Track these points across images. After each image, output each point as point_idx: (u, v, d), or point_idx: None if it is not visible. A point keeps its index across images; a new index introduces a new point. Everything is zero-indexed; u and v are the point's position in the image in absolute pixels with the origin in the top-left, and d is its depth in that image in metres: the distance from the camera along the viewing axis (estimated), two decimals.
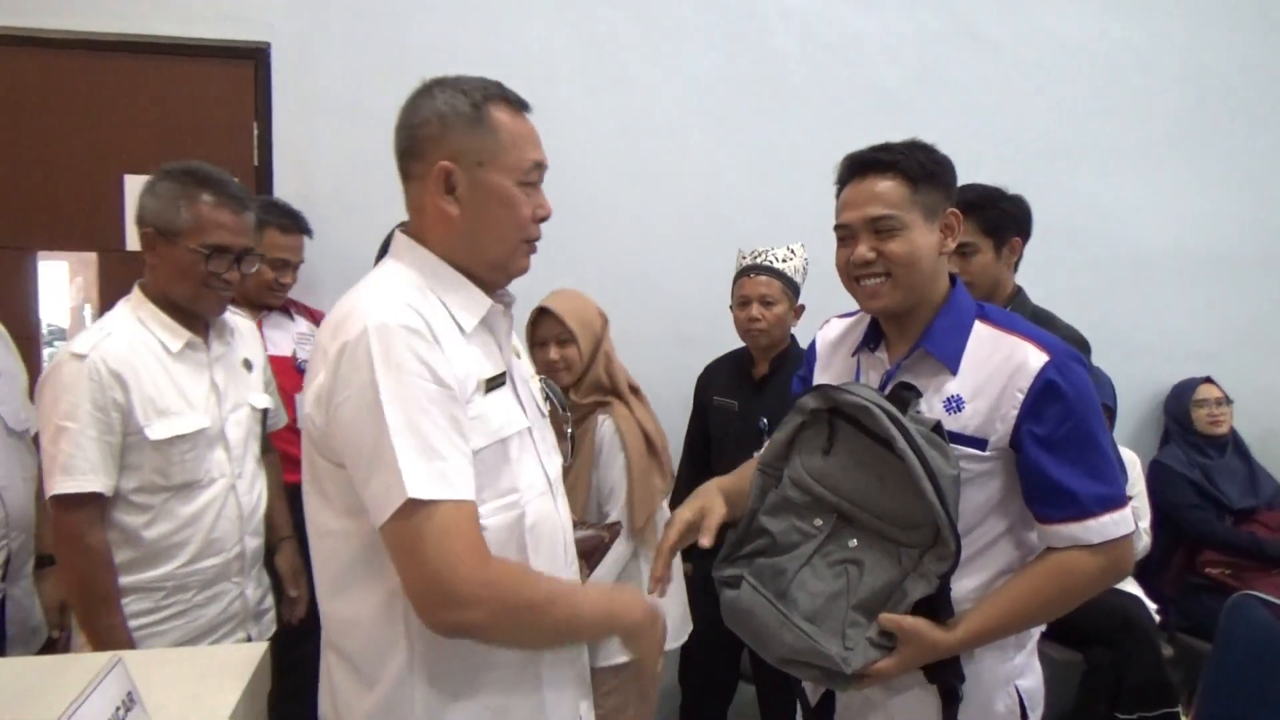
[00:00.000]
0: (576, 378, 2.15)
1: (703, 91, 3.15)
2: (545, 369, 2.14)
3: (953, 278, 1.53)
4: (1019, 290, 2.29)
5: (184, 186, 1.79)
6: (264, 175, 2.90)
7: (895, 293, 1.47)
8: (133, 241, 2.85)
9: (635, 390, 2.24)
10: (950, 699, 1.44)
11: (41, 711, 1.11)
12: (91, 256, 2.89)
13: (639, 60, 3.10)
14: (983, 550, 1.45)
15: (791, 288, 2.43)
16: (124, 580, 1.73)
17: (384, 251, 1.62)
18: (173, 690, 1.24)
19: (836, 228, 1.51)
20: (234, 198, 1.83)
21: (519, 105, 1.26)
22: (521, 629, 1.14)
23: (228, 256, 1.80)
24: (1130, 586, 2.99)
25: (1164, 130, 3.47)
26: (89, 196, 2.83)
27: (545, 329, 2.17)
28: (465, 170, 1.20)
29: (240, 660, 1.32)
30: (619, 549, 2.16)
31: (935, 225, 1.47)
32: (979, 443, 1.41)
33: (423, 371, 1.09)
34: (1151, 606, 2.93)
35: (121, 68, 2.85)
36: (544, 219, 1.27)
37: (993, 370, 1.41)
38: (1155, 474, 3.33)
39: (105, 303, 2.85)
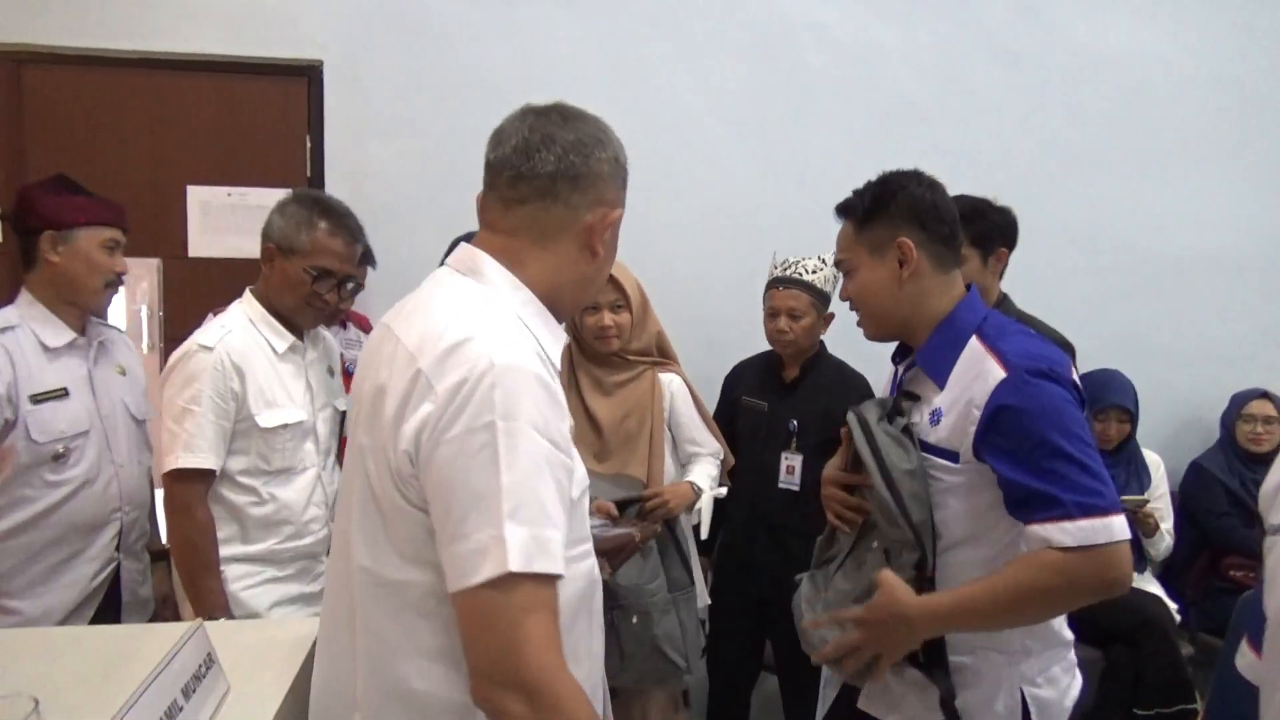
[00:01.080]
0: (624, 344, 2.31)
1: (731, 101, 3.26)
2: (597, 334, 2.27)
3: (969, 287, 1.60)
4: (1004, 297, 2.40)
5: (310, 212, 1.97)
6: (315, 186, 3.05)
7: (869, 324, 1.63)
8: (195, 249, 3.04)
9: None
10: (945, 696, 1.49)
11: (135, 670, 1.25)
12: (155, 262, 3.07)
13: (669, 72, 3.22)
14: (981, 561, 1.47)
15: (820, 298, 2.47)
16: (227, 551, 1.94)
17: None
18: (243, 654, 1.38)
19: None
20: (349, 229, 2.01)
21: None
22: None
23: (332, 280, 2.00)
24: (1151, 586, 3.06)
25: (1191, 138, 3.52)
26: (154, 206, 3.00)
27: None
28: (615, 223, 1.20)
29: (306, 631, 1.46)
30: (713, 472, 2.40)
31: (885, 259, 1.55)
32: (952, 455, 1.48)
33: (546, 429, 1.01)
34: (1172, 606, 2.99)
35: (185, 85, 3.03)
36: None
37: (963, 388, 1.47)
38: (1192, 476, 3.37)
39: (169, 306, 3.04)
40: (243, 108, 3.06)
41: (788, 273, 2.47)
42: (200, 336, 1.96)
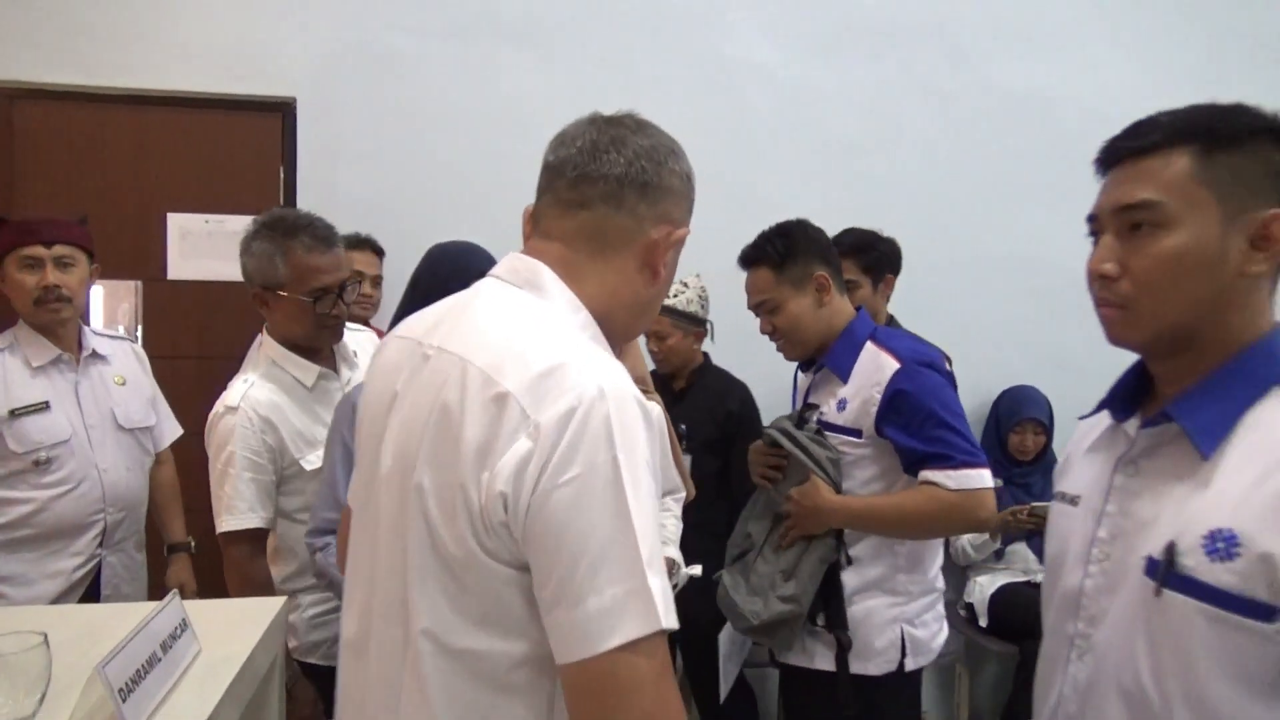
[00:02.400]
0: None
1: (677, 136, 3.48)
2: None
3: (858, 308, 2.03)
4: (891, 318, 2.78)
5: (274, 242, 1.90)
6: None
7: (792, 349, 2.02)
8: (174, 272, 3.24)
9: None
10: (842, 644, 1.88)
11: (118, 636, 1.44)
12: (136, 285, 3.25)
13: (618, 108, 3.45)
14: None
15: (683, 318, 2.78)
16: (297, 584, 1.97)
17: (427, 270, 1.76)
18: (213, 626, 1.58)
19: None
20: (321, 239, 1.93)
21: None
22: None
23: (331, 295, 1.93)
24: None
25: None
26: (136, 231, 3.19)
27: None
28: (679, 242, 1.09)
29: (270, 606, 1.66)
30: (677, 524, 2.24)
31: (807, 290, 1.96)
32: (856, 432, 1.89)
33: (653, 465, 0.89)
34: None
35: (165, 119, 3.23)
36: None
37: (865, 378, 1.88)
38: None
39: (148, 325, 3.23)
40: (220, 141, 3.26)
41: None
42: (226, 397, 1.94)
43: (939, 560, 2.01)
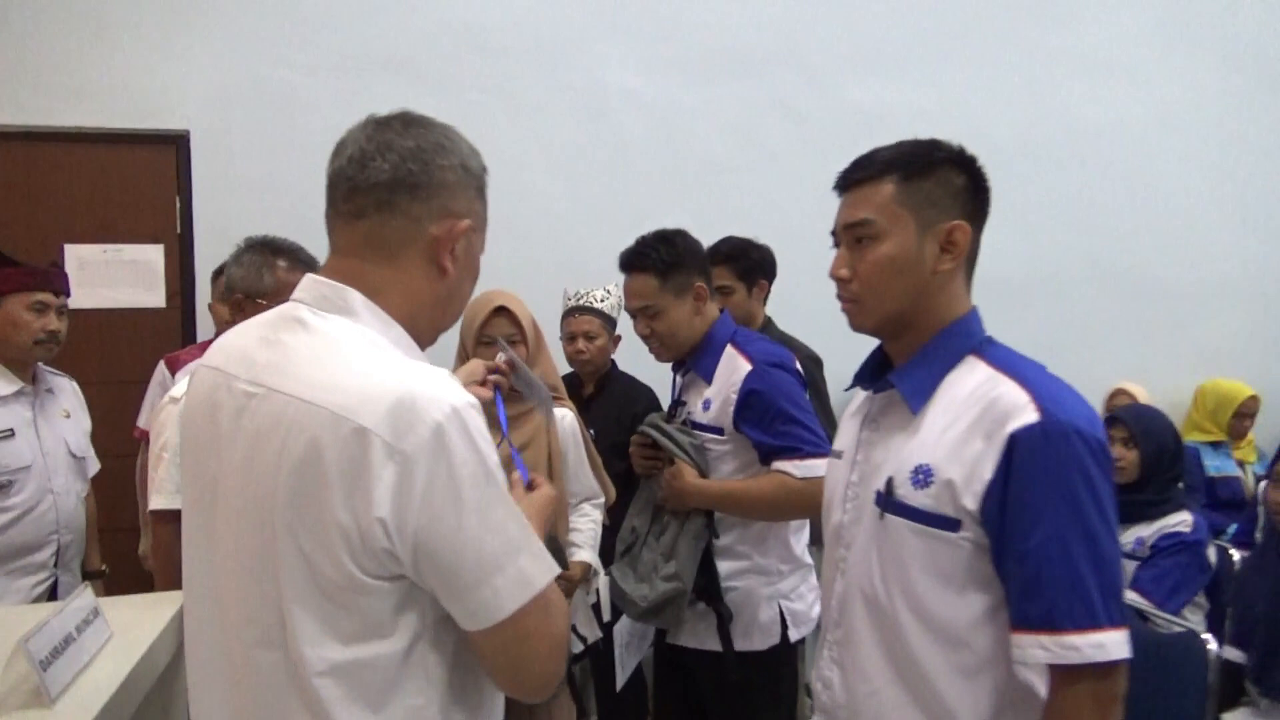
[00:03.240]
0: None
1: (558, 155, 3.76)
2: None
3: (722, 310, 2.22)
4: (769, 320, 2.97)
5: (264, 256, 2.13)
6: (186, 243, 3.43)
7: (666, 352, 2.20)
8: (74, 301, 3.31)
9: None
10: (721, 617, 2.07)
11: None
12: None
13: (504, 131, 3.70)
14: None
15: (610, 323, 2.94)
16: None
17: None
18: (125, 614, 1.77)
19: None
20: (304, 262, 2.15)
21: None
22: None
23: None
24: None
25: None
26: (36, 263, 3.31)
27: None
28: (472, 231, 1.12)
29: (173, 598, 1.86)
30: (595, 529, 2.41)
31: (687, 299, 2.14)
32: (719, 430, 2.10)
33: (489, 449, 1.00)
34: None
35: (61, 153, 3.35)
36: None
37: (724, 380, 2.10)
38: None
39: None
40: (116, 173, 3.40)
41: (581, 301, 2.93)
42: (173, 390, 2.14)
43: (804, 539, 2.20)
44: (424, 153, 1.08)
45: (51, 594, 2.45)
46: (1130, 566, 2.73)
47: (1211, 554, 2.78)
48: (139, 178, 3.43)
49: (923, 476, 1.24)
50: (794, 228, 3.92)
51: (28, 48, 3.26)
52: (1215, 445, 4.10)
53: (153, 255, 3.42)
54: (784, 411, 2.00)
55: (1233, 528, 3.62)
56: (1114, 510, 1.19)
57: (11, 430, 2.38)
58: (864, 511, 1.34)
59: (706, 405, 2.13)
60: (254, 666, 1.00)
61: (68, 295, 2.53)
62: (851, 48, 4.07)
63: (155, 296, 3.40)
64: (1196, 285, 4.48)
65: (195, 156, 3.43)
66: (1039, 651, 1.13)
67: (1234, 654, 2.48)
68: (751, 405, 2.01)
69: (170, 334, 3.41)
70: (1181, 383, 4.31)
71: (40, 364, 2.54)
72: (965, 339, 1.32)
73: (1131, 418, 2.90)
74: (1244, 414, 4.11)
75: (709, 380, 2.13)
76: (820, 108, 4.02)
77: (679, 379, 2.29)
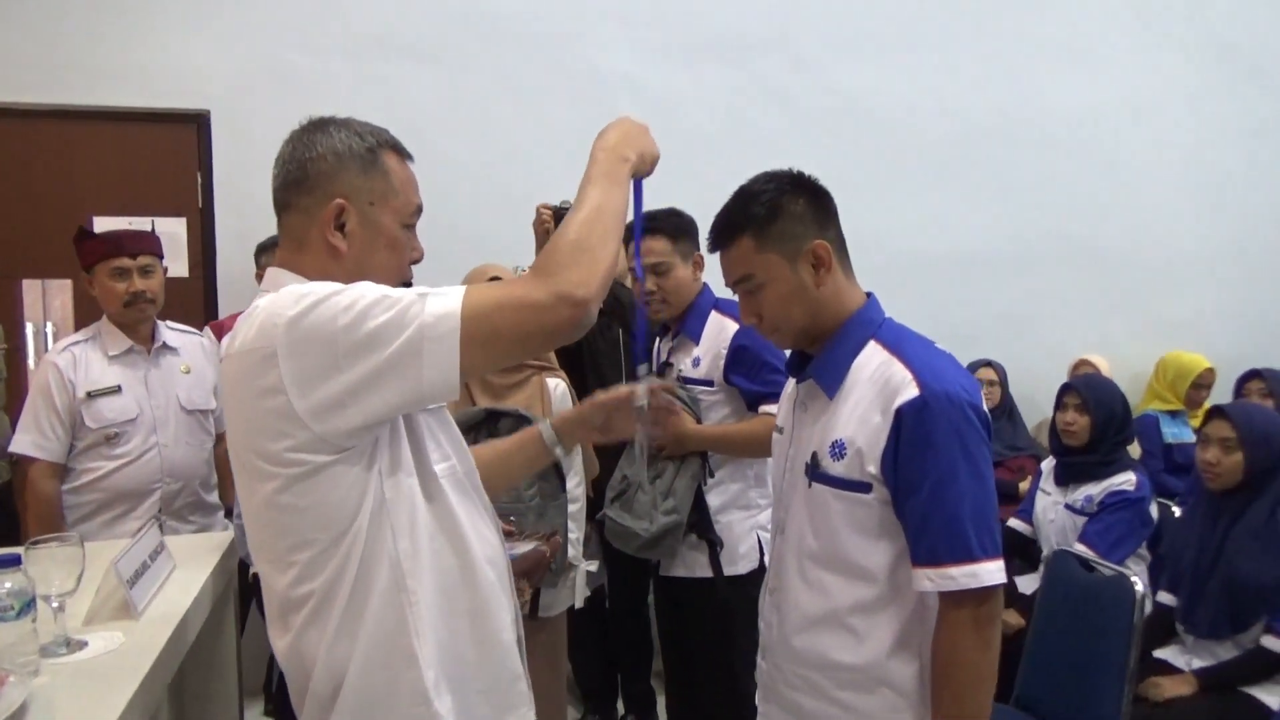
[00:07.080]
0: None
1: (557, 137, 3.93)
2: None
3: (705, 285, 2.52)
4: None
5: None
6: (207, 216, 3.65)
7: (667, 308, 2.51)
8: None
9: None
10: (712, 546, 2.39)
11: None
12: (67, 283, 3.59)
13: (509, 115, 3.92)
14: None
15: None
16: None
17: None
18: (185, 552, 2.02)
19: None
20: None
21: (406, 154, 1.33)
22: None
23: None
24: None
25: (930, 161, 4.42)
26: (64, 235, 3.46)
27: None
28: (357, 208, 1.23)
29: (220, 539, 2.11)
30: (578, 504, 2.39)
31: (690, 263, 2.47)
32: (709, 383, 2.43)
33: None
34: None
35: (89, 130, 3.56)
36: (417, 261, 1.34)
37: (712, 340, 2.43)
38: None
39: (81, 320, 3.55)
40: (141, 150, 3.61)
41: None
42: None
43: None
44: (298, 151, 1.25)
45: None
46: (1079, 521, 3.01)
47: (1154, 511, 3.05)
48: (162, 155, 3.64)
49: (839, 449, 1.46)
50: None
51: (60, 31, 3.46)
52: (1173, 414, 4.36)
53: (176, 228, 3.63)
54: (768, 363, 2.34)
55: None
56: (986, 460, 1.40)
57: (119, 386, 2.59)
58: (797, 480, 1.57)
59: (696, 362, 2.46)
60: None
61: (153, 255, 2.65)
62: (838, 34, 4.29)
63: (179, 267, 3.61)
64: (1160, 263, 4.75)
65: (215, 135, 3.63)
66: (926, 582, 1.37)
67: (1166, 598, 2.76)
68: (740, 359, 2.36)
69: (194, 302, 3.63)
70: (1143, 355, 4.58)
71: (162, 322, 2.74)
72: (865, 327, 1.54)
73: (1084, 386, 3.16)
74: (1201, 385, 4.36)
75: (697, 341, 2.47)
76: (805, 91, 4.24)
77: (666, 341, 2.61)
